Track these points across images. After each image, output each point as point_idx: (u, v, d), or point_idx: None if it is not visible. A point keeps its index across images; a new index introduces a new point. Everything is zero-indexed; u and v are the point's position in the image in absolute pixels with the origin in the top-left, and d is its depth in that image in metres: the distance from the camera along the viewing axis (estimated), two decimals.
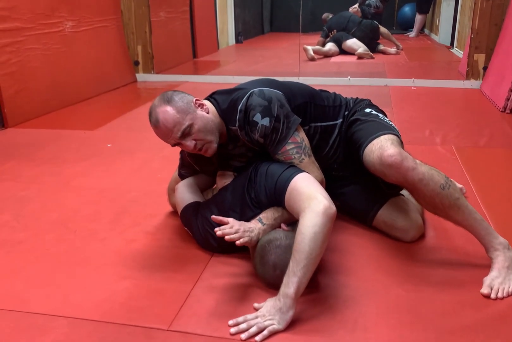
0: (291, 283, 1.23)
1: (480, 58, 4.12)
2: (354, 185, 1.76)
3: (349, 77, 4.42)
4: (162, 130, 1.45)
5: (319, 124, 1.67)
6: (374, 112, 1.70)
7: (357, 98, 1.81)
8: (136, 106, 3.63)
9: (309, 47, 5.87)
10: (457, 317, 1.28)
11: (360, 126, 1.63)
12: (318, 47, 6.20)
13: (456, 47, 6.18)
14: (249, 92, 1.49)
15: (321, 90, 1.77)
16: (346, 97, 1.80)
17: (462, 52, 5.18)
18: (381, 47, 6.38)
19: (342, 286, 1.42)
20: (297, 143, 1.50)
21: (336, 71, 5.05)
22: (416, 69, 5.13)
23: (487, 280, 1.40)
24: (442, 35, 7.23)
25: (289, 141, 1.48)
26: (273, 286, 1.36)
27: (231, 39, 7.56)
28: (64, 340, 1.21)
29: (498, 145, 2.68)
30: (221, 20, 7.08)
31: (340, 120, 1.71)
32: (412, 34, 8.16)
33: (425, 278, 1.46)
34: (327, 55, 6.16)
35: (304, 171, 1.45)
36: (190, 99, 1.50)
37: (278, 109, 1.47)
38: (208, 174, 1.73)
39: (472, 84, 4.18)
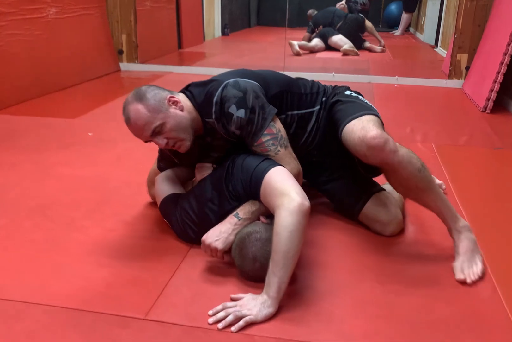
0: (272, 284, 1.25)
1: (463, 58, 4.17)
2: (340, 180, 1.77)
3: (333, 73, 4.43)
4: (133, 128, 1.46)
5: (296, 112, 1.66)
6: (354, 94, 1.71)
7: (336, 85, 1.81)
8: (119, 95, 3.59)
9: (295, 42, 5.88)
10: (431, 311, 1.30)
11: (341, 107, 1.63)
12: (304, 42, 6.21)
13: (440, 46, 6.25)
14: (224, 84, 1.47)
15: (298, 78, 1.76)
16: (324, 85, 1.79)
17: (446, 52, 5.24)
18: (367, 44, 6.41)
19: (318, 279, 1.43)
20: (273, 135, 1.48)
21: (321, 66, 5.06)
22: (400, 67, 5.17)
23: (457, 266, 1.45)
24: (426, 34, 7.29)
25: (265, 133, 1.47)
26: (252, 278, 1.37)
27: (217, 31, 7.53)
28: (39, 327, 1.21)
29: (478, 144, 2.72)
30: (207, 12, 7.04)
31: (318, 107, 1.70)
32: (397, 32, 8.22)
33: (401, 272, 1.48)
34: (313, 50, 6.17)
35: (279, 165, 1.44)
36: (164, 96, 1.47)
37: (253, 100, 1.46)
38: (187, 166, 1.73)
39: (454, 83, 4.23)
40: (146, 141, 1.51)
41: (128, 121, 1.46)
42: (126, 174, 2.19)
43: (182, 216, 1.56)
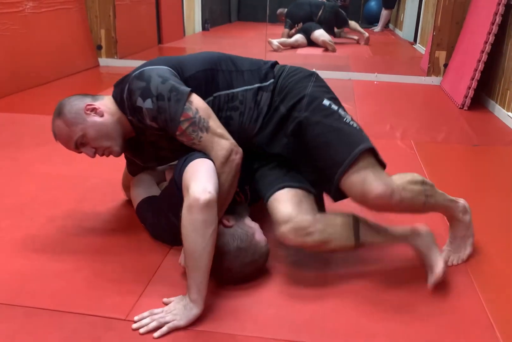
0: (190, 286, 1.25)
1: (441, 55, 4.21)
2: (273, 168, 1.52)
3: (314, 69, 4.44)
4: (60, 143, 1.48)
5: (226, 92, 1.45)
6: (334, 106, 1.42)
7: (291, 66, 1.57)
8: (98, 91, 3.55)
9: (274, 41, 5.88)
10: (413, 308, 1.32)
11: (326, 137, 1.37)
12: (283, 39, 6.20)
13: (419, 43, 6.30)
14: (130, 78, 1.40)
15: (239, 57, 1.57)
16: (274, 63, 1.56)
17: (425, 49, 5.29)
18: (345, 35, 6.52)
19: (307, 279, 1.44)
20: (191, 119, 1.34)
21: (302, 63, 5.05)
22: (379, 64, 5.21)
23: (442, 255, 1.46)
24: (405, 31, 7.35)
25: (182, 119, 1.33)
26: (236, 281, 1.39)
27: (198, 27, 7.48)
28: (19, 329, 1.19)
29: (456, 141, 2.76)
30: (187, 7, 6.98)
31: (257, 85, 1.46)
32: (377, 28, 8.26)
33: (384, 271, 1.50)
34: (294, 46, 6.17)
35: (195, 158, 1.33)
36: (81, 107, 1.42)
37: (159, 86, 1.34)
38: (154, 169, 1.71)
39: (433, 80, 4.27)
40: (79, 153, 1.50)
41: (55, 137, 1.48)
42: (105, 172, 2.16)
43: (157, 219, 1.55)
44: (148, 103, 1.34)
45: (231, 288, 1.37)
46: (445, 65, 4.20)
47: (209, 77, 1.45)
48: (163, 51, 5.78)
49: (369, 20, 8.59)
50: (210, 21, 7.78)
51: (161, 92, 1.33)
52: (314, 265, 1.51)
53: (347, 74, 4.47)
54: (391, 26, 8.80)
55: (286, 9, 6.73)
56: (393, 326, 1.25)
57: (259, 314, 1.28)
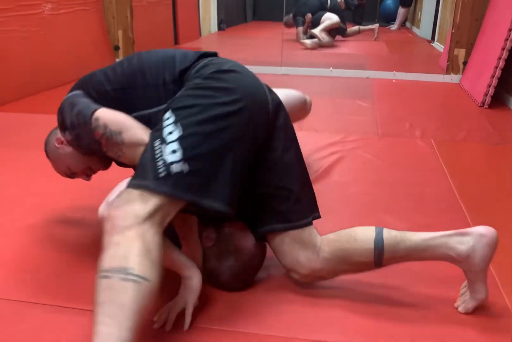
0: (177, 268, 1.24)
1: (461, 53, 4.16)
2: None
3: (331, 68, 4.42)
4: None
5: (141, 113, 1.28)
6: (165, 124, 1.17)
7: (208, 62, 1.27)
8: None
9: (308, 40, 5.96)
10: (429, 310, 1.30)
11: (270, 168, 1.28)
12: (315, 40, 6.15)
13: (437, 41, 6.23)
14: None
15: (153, 60, 1.30)
16: (197, 58, 1.30)
17: (443, 46, 5.23)
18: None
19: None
20: (103, 136, 1.23)
21: (318, 62, 5.05)
22: (397, 62, 5.17)
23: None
24: (423, 29, 7.28)
25: (97, 138, 1.24)
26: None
27: (214, 27, 7.49)
28: (41, 325, 1.20)
29: (476, 139, 2.72)
30: (203, 7, 7.00)
31: (164, 106, 1.23)
32: (394, 27, 8.20)
33: (398, 271, 1.48)
34: (325, 46, 6.21)
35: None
36: (53, 143, 1.47)
37: (69, 115, 1.29)
38: None
39: (452, 78, 4.22)
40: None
41: None
42: (126, 170, 2.17)
43: None
44: (68, 135, 1.34)
45: (250, 288, 1.36)
46: (465, 63, 4.14)
47: (119, 95, 1.30)
48: None
49: (386, 19, 8.52)
50: (226, 21, 7.79)
51: (72, 121, 1.29)
52: None
53: (365, 72, 4.43)
54: (408, 24, 8.72)
55: (291, 15, 6.69)
56: (415, 327, 1.23)
57: (280, 314, 1.27)
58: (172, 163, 1.10)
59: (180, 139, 1.12)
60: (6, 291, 1.33)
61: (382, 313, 1.28)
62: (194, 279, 1.22)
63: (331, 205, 1.88)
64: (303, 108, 2.12)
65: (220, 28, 7.63)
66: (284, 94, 1.77)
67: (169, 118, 1.16)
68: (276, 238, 1.32)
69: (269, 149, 1.27)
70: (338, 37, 6.48)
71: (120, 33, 4.61)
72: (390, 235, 1.24)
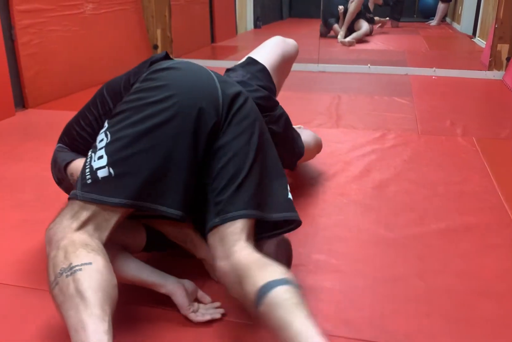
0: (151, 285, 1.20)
1: (504, 48, 4.04)
2: None
3: (369, 65, 4.37)
4: None
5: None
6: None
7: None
8: None
9: (346, 39, 5.99)
10: (475, 308, 1.27)
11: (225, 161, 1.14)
12: (354, 35, 6.12)
13: (478, 36, 6.07)
14: None
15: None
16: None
17: (485, 42, 5.10)
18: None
19: (357, 274, 1.42)
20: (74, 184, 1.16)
21: (355, 58, 5.00)
22: (437, 58, 5.06)
23: None
24: (464, 24, 7.10)
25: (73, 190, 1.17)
26: None
27: (250, 25, 7.50)
28: None
29: None
30: (240, 5, 7.02)
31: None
32: (433, 22, 8.04)
33: (441, 269, 1.45)
34: (368, 34, 6.26)
35: None
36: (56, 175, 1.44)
37: (55, 173, 1.41)
38: None
39: (495, 75, 4.11)
40: None
41: None
42: None
43: None
44: (62, 188, 1.43)
45: None
46: (508, 59, 4.02)
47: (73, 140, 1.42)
48: (216, 49, 5.84)
49: (425, 14, 8.36)
50: (261, 19, 7.79)
51: (58, 177, 1.39)
52: (374, 264, 1.48)
53: (404, 69, 4.36)
54: (448, 19, 8.53)
55: (320, 23, 6.67)
56: (457, 326, 1.21)
57: (318, 311, 1.26)
58: (98, 169, 1.08)
59: (107, 145, 1.10)
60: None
61: (423, 313, 1.26)
62: (174, 295, 1.17)
63: (371, 203, 1.86)
64: (318, 148, 2.08)
65: (256, 25, 7.63)
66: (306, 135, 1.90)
67: (104, 127, 1.15)
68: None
69: (218, 139, 1.16)
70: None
71: (158, 32, 4.67)
72: (282, 295, 0.95)
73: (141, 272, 1.17)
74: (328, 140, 2.54)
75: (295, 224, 1.24)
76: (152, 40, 4.68)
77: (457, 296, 1.32)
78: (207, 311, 1.21)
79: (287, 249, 1.30)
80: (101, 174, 1.07)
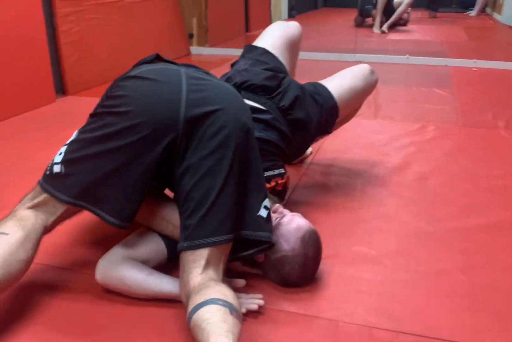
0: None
1: None
2: None
3: (407, 55, 4.29)
4: None
5: None
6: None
7: None
8: None
9: (379, 30, 5.97)
10: None
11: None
12: (388, 22, 6.04)
13: None
14: None
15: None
16: None
17: None
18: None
19: (400, 268, 1.40)
20: None
21: (393, 49, 4.90)
22: (477, 50, 4.93)
23: None
24: (505, 15, 6.90)
25: None
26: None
27: (284, 14, 7.44)
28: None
29: None
30: None
31: None
32: (472, 13, 7.85)
33: (485, 264, 1.42)
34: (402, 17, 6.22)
35: None
36: None
37: None
38: None
39: None
40: None
41: None
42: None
43: None
44: None
45: (329, 277, 1.35)
46: None
47: None
48: (251, 39, 5.80)
49: (464, 5, 8.16)
50: (296, 8, 7.72)
51: None
52: (415, 257, 1.46)
53: (443, 60, 4.26)
54: (488, 10, 8.30)
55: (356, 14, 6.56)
56: (502, 322, 1.18)
57: (359, 303, 1.25)
58: (55, 163, 1.16)
59: (68, 144, 1.19)
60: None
61: (466, 308, 1.24)
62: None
63: (411, 196, 1.84)
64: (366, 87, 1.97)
65: (290, 15, 7.57)
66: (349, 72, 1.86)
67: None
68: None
69: (185, 158, 1.13)
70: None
71: (194, 21, 4.68)
72: (203, 315, 0.96)
73: (156, 286, 1.20)
74: (366, 132, 2.52)
75: (267, 244, 1.19)
76: (188, 29, 4.69)
77: (502, 292, 1.30)
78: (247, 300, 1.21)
79: (315, 240, 1.28)
80: (56, 169, 1.16)
